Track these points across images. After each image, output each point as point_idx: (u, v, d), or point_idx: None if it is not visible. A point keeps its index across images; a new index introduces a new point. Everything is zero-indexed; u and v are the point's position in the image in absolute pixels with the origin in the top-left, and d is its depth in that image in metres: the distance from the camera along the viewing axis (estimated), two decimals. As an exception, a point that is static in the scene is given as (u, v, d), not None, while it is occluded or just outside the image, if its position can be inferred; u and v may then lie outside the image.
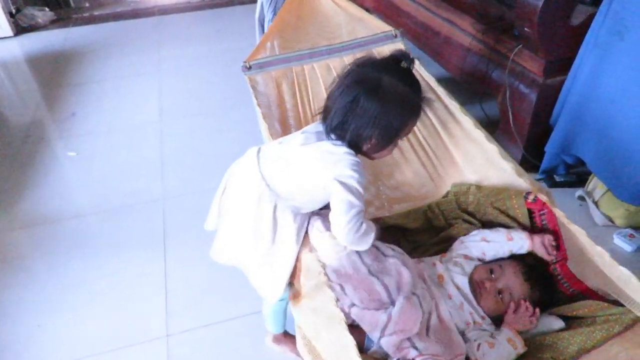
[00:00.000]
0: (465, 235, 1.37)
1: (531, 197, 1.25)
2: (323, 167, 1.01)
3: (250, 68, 1.53)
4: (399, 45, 1.63)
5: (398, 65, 1.02)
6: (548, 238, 1.22)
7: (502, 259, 1.27)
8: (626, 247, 1.67)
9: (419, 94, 1.03)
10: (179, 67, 3.03)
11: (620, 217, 1.71)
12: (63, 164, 2.25)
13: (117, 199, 2.01)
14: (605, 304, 1.08)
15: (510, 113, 1.96)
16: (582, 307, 1.12)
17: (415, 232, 1.48)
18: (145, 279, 1.66)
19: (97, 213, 1.95)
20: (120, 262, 1.73)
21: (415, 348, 1.00)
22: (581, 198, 1.86)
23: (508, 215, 1.34)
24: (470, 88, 2.30)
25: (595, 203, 1.78)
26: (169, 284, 1.64)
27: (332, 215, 1.01)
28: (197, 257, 1.70)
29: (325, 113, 1.04)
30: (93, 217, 1.93)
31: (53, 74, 3.04)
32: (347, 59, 1.61)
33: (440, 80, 1.56)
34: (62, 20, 3.82)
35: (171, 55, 3.18)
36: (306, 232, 1.10)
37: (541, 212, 1.26)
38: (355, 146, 1.02)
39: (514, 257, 1.27)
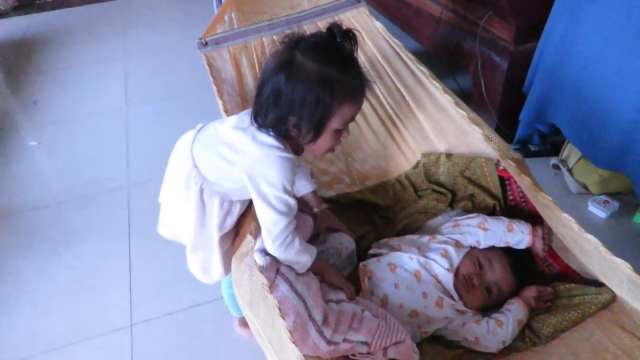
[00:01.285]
0: (434, 205, 1.32)
1: (502, 164, 1.21)
2: (244, 164, 0.90)
3: (206, 44, 1.45)
4: (362, 11, 1.56)
5: (325, 41, 0.89)
6: (544, 231, 1.15)
7: (491, 248, 1.19)
8: (601, 214, 1.64)
9: (347, 72, 0.87)
10: (145, 52, 2.93)
11: (594, 184, 1.68)
12: (23, 154, 2.15)
13: (79, 189, 1.94)
14: (583, 285, 1.05)
15: (482, 83, 1.91)
16: (558, 286, 1.10)
17: (387, 208, 1.43)
18: (109, 269, 1.60)
19: (58, 204, 1.87)
20: (83, 253, 1.66)
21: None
22: (556, 167, 1.82)
23: (479, 186, 1.30)
24: (442, 60, 2.24)
25: (570, 171, 1.74)
26: (134, 272, 1.58)
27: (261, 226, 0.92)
28: (161, 244, 1.62)
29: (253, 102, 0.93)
30: (55, 208, 1.86)
31: (15, 61, 2.91)
32: (309, 29, 1.54)
33: (413, 54, 1.51)
34: (24, 6, 3.66)
35: (138, 39, 3.07)
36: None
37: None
38: (283, 136, 0.90)
39: (502, 248, 1.19)
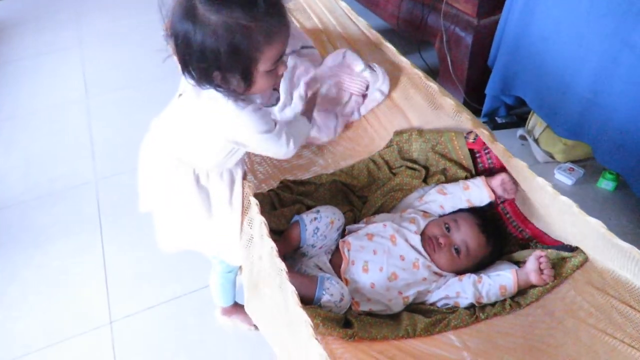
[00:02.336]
0: (409, 182, 1.35)
1: (472, 137, 1.23)
2: (218, 127, 0.88)
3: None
4: None
5: None
6: (503, 178, 1.19)
7: (459, 211, 1.24)
8: (567, 180, 1.70)
9: (260, 11, 0.76)
10: (102, 40, 2.80)
11: (560, 152, 1.74)
12: (-21, 154, 2.05)
13: (44, 186, 1.86)
14: (556, 250, 1.09)
15: (448, 58, 1.93)
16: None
17: (362, 188, 1.44)
18: (83, 267, 1.56)
19: (22, 203, 1.80)
20: (53, 252, 1.60)
21: None
22: (522, 137, 1.87)
23: (450, 159, 1.32)
24: (408, 37, 2.25)
25: (536, 140, 1.80)
26: (109, 268, 1.54)
27: None
28: (136, 237, 1.61)
29: None
30: (18, 207, 1.78)
31: (-40, 57, 2.75)
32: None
33: (378, 32, 1.50)
34: (-35, -3, 3.44)
35: (93, 27, 2.93)
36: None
37: (485, 151, 1.24)
38: (218, 88, 0.83)
39: (469, 210, 1.24)
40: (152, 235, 1.07)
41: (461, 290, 1.09)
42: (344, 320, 1.03)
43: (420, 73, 1.30)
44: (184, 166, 0.92)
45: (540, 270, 1.04)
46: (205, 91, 0.84)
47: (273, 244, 0.87)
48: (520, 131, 1.88)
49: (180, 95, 0.95)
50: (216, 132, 0.89)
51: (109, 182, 1.85)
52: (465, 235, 1.15)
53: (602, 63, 1.41)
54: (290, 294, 0.78)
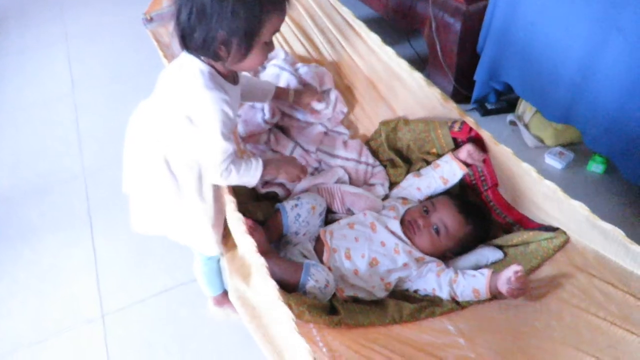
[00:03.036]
0: (392, 180, 1.36)
1: (457, 126, 1.23)
2: (175, 96, 0.90)
3: (151, 20, 1.38)
4: None
5: None
6: (468, 148, 1.20)
7: (437, 195, 1.26)
8: (557, 165, 1.71)
9: None
10: (88, 34, 2.77)
11: (550, 136, 1.74)
12: (-35, 150, 2.02)
13: (32, 181, 1.84)
14: (537, 232, 1.09)
15: (438, 45, 1.92)
16: (516, 237, 1.14)
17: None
18: (73, 261, 1.54)
19: (10, 199, 1.77)
20: (43, 247, 1.59)
21: None
22: (512, 123, 1.87)
23: (431, 151, 1.31)
24: (397, 26, 2.24)
25: (526, 126, 1.80)
26: (99, 262, 1.53)
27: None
28: (126, 231, 1.55)
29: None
30: (6, 203, 1.76)
31: (-57, 54, 2.70)
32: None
33: (367, 21, 1.49)
34: (-53, -7, 3.38)
35: (78, 21, 2.89)
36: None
37: (469, 140, 1.24)
38: (212, 56, 0.87)
39: (448, 193, 1.26)
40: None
41: (437, 287, 1.09)
42: (329, 307, 1.03)
43: (404, 62, 1.29)
44: (158, 150, 0.92)
45: (512, 289, 0.99)
46: (186, 61, 0.87)
47: (252, 241, 0.87)
48: (510, 117, 1.88)
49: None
50: (177, 102, 0.90)
51: (98, 176, 1.83)
52: (443, 214, 1.16)
53: (591, 47, 1.41)
54: (272, 288, 0.78)
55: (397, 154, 1.36)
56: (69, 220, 1.68)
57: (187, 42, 0.85)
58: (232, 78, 0.97)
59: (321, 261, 1.12)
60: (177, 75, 0.92)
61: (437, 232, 1.15)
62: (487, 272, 1.06)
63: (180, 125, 0.91)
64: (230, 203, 0.95)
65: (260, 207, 1.21)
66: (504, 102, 1.97)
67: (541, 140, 1.77)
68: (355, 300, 1.10)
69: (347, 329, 0.99)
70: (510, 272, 0.99)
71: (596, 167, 1.68)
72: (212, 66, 0.90)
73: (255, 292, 0.88)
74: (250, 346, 1.26)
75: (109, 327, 1.36)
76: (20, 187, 1.82)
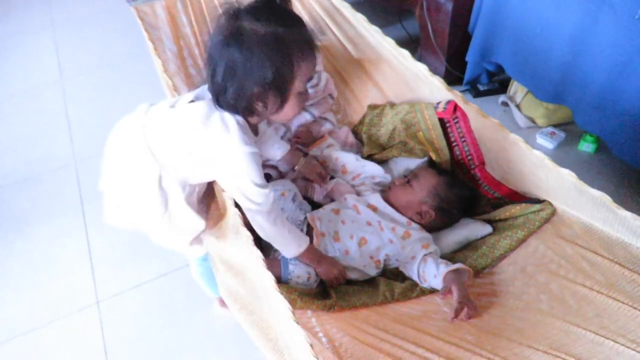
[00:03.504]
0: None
1: (441, 106, 1.22)
2: (213, 158, 0.89)
3: (136, -3, 1.36)
4: None
5: (267, 5, 0.85)
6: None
7: None
8: (548, 144, 1.71)
9: (296, 27, 0.85)
10: (75, 20, 2.73)
11: (541, 116, 1.75)
12: (-47, 140, 1.99)
13: (22, 170, 1.82)
14: (525, 205, 1.09)
15: (429, 26, 1.91)
16: (505, 211, 1.14)
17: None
18: (66, 249, 1.54)
19: (0, 188, 1.76)
20: (35, 236, 1.58)
21: None
22: (504, 104, 1.87)
23: (414, 134, 1.31)
24: (389, 7, 2.22)
25: (517, 106, 1.80)
26: (93, 249, 1.53)
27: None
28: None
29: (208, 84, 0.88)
30: (-3, 192, 1.75)
31: None
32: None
33: (359, 3, 1.47)
34: None
35: (65, 8, 2.84)
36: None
37: (455, 120, 1.24)
38: (247, 111, 0.88)
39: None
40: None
41: (416, 278, 1.10)
42: (322, 292, 1.04)
43: (389, 40, 1.27)
44: (153, 163, 0.90)
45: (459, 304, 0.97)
46: (214, 117, 0.87)
47: (249, 234, 0.85)
48: (502, 98, 1.88)
49: (172, 107, 0.93)
50: (210, 160, 0.88)
51: (89, 163, 1.82)
52: (417, 170, 1.23)
53: (581, 24, 1.40)
54: (268, 280, 0.77)
55: (376, 145, 1.36)
56: (61, 208, 1.67)
57: (221, 100, 0.85)
58: (255, 129, 0.97)
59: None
60: (203, 121, 0.87)
61: (409, 182, 1.20)
62: (445, 269, 1.04)
63: (196, 163, 0.90)
64: (229, 199, 0.94)
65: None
66: (496, 83, 1.97)
67: (533, 121, 1.77)
68: (348, 281, 1.11)
69: (341, 312, 1.00)
70: (455, 305, 0.96)
71: (587, 146, 1.68)
72: (245, 118, 0.90)
73: (248, 286, 0.88)
74: (244, 331, 1.29)
75: (105, 313, 1.36)
76: (11, 176, 1.80)
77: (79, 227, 1.60)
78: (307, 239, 1.03)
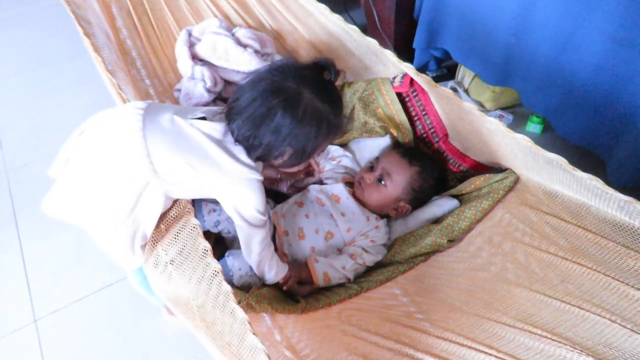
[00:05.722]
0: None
1: (397, 80, 1.20)
2: (222, 181, 0.88)
3: (64, -13, 1.25)
4: None
5: (321, 76, 0.91)
6: None
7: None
8: (497, 127, 1.73)
9: (340, 111, 0.93)
10: (3, 18, 2.54)
11: (489, 100, 1.76)
12: None
13: (-55, 183, 1.67)
14: (488, 175, 1.08)
15: (375, 14, 1.89)
16: (470, 184, 1.12)
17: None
18: (-2, 265, 1.42)
19: None
20: (-38, 253, 1.45)
21: None
22: (453, 89, 1.88)
23: (372, 111, 1.28)
24: (334, -4, 2.18)
25: (466, 91, 1.81)
26: (28, 264, 1.41)
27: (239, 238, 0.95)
28: (56, 227, 1.47)
29: (231, 114, 0.87)
30: None
31: None
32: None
33: None
34: None
35: (-10, 5, 2.65)
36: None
37: (414, 94, 1.21)
38: (263, 159, 0.91)
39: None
40: (74, 224, 0.95)
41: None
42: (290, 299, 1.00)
43: (338, 17, 1.24)
44: (147, 168, 0.82)
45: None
46: (235, 147, 0.88)
47: (207, 244, 0.81)
48: (450, 83, 1.89)
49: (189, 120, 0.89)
50: (223, 177, 0.87)
51: (21, 172, 1.69)
52: (386, 163, 1.15)
53: (521, 4, 1.41)
54: (224, 295, 0.73)
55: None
56: (-9, 221, 1.54)
57: (252, 151, 0.87)
58: None
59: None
60: (231, 164, 0.87)
61: (382, 180, 1.13)
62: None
63: (197, 180, 0.87)
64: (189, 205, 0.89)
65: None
66: (444, 68, 1.97)
67: (481, 105, 1.79)
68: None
69: (309, 313, 0.97)
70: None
71: (534, 127, 1.71)
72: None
73: (191, 289, 0.82)
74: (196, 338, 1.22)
75: (43, 332, 1.26)
76: None
77: (12, 240, 1.48)
78: (287, 266, 1.02)
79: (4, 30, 2.46)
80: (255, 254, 0.95)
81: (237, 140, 0.87)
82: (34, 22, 2.50)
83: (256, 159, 0.90)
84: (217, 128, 0.87)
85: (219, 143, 0.86)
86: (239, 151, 0.88)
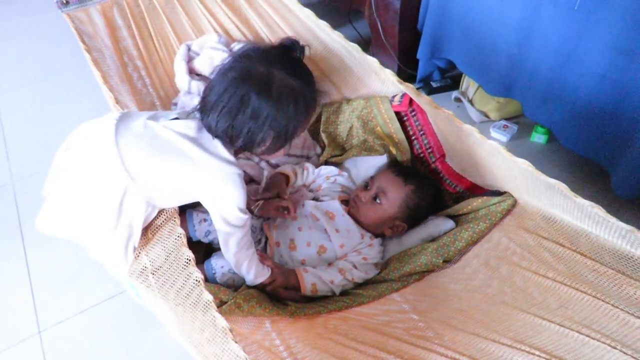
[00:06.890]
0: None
1: (397, 99, 1.20)
2: (199, 179, 0.86)
3: (67, 3, 1.27)
4: None
5: (288, 55, 0.90)
6: None
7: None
8: (502, 137, 1.73)
9: (313, 86, 0.91)
10: (9, 30, 2.57)
11: (493, 110, 1.76)
12: None
13: (-47, 193, 1.68)
14: (486, 197, 1.08)
15: (379, 25, 1.89)
16: (467, 205, 1.12)
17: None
18: (4, 275, 1.42)
19: None
20: (-32, 264, 1.45)
21: None
22: (457, 99, 1.88)
23: (372, 129, 1.28)
24: (338, 8, 2.20)
25: (470, 101, 1.80)
26: (33, 275, 1.41)
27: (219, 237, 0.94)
28: (61, 239, 1.48)
29: (205, 109, 0.86)
30: None
31: None
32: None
33: (308, 5, 1.43)
34: None
35: (-3, 17, 2.68)
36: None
37: (412, 113, 1.22)
38: (246, 149, 0.90)
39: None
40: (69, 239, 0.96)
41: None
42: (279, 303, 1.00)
43: (338, 34, 1.25)
44: (122, 175, 0.83)
45: None
46: (207, 138, 0.87)
47: (190, 254, 0.81)
48: (454, 93, 1.89)
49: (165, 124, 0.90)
50: (199, 174, 0.86)
51: (27, 182, 1.70)
52: (381, 182, 1.15)
53: (524, 16, 1.41)
54: (206, 304, 0.73)
55: (336, 145, 1.32)
56: (-3, 231, 1.54)
57: (219, 131, 0.85)
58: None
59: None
60: (206, 159, 0.86)
61: (377, 199, 1.13)
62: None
63: (177, 182, 0.87)
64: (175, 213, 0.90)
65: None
66: (448, 79, 1.97)
67: (486, 115, 1.78)
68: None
69: (300, 319, 0.96)
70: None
71: (539, 137, 1.70)
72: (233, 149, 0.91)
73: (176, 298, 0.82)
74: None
75: (48, 343, 1.26)
76: (-60, 200, 1.66)
77: (17, 250, 1.48)
78: (268, 270, 1.02)
79: (11, 40, 2.49)
80: (231, 253, 0.95)
81: (216, 135, 0.86)
82: (40, 33, 2.53)
83: (239, 150, 0.89)
84: (190, 126, 0.87)
85: (194, 140, 0.86)
86: (216, 146, 0.87)
